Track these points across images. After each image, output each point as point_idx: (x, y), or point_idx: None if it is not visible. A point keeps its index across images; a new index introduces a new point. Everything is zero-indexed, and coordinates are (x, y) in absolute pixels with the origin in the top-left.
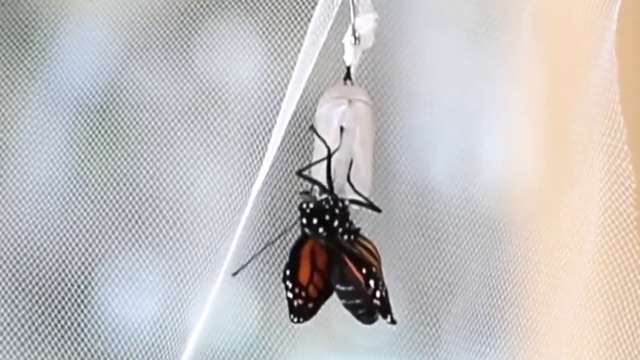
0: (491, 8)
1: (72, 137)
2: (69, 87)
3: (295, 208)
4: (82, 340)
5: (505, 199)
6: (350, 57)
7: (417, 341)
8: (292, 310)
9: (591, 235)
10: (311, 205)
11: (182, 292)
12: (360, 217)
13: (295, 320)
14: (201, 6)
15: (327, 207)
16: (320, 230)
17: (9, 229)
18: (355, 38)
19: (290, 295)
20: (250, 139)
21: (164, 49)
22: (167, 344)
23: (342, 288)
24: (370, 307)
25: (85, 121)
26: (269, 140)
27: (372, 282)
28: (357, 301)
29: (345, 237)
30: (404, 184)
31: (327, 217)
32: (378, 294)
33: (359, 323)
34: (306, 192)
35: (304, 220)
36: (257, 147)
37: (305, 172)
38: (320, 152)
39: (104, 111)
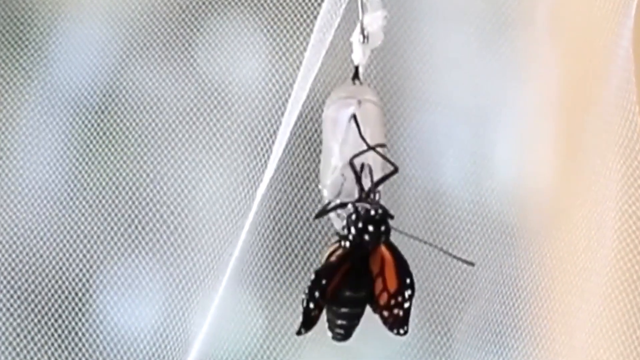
0: (504, 5)
1: (70, 139)
2: (67, 87)
3: (300, 212)
4: (80, 350)
5: (519, 204)
6: (359, 56)
7: (427, 350)
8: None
9: (608, 240)
10: (380, 211)
11: (183, 300)
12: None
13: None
14: (203, 3)
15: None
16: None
17: (4, 235)
18: (364, 36)
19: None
20: (254, 141)
21: (165, 47)
22: (168, 354)
23: (353, 295)
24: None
25: (84, 123)
26: (274, 142)
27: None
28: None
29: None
30: (414, 187)
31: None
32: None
33: (368, 331)
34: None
35: (371, 228)
36: (262, 149)
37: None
38: (327, 155)
39: (103, 112)
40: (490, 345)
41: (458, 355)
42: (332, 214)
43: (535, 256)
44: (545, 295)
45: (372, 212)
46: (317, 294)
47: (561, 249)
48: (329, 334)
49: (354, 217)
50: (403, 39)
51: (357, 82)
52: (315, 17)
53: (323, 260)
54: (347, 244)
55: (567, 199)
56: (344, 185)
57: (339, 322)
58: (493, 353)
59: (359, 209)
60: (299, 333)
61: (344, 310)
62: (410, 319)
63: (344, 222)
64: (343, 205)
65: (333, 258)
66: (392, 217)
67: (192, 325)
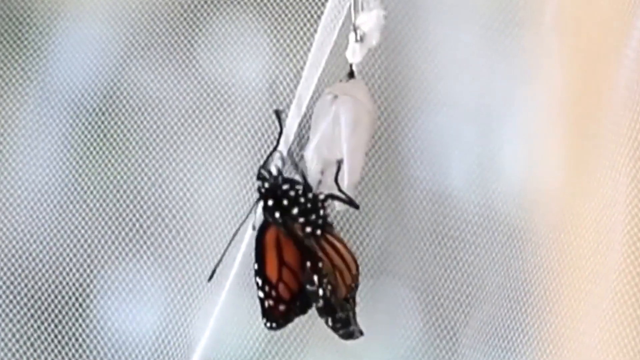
0: (511, 4)
1: (70, 141)
2: (66, 89)
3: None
4: (81, 355)
5: (526, 206)
6: (351, 54)
7: (432, 355)
8: (264, 312)
9: (616, 244)
10: (267, 185)
11: (185, 304)
12: (372, 225)
13: (268, 325)
14: (205, 2)
15: (287, 190)
16: (277, 215)
17: (3, 239)
18: (356, 35)
19: (260, 294)
20: (258, 143)
21: (167, 48)
22: (170, 358)
23: (310, 288)
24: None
25: (84, 124)
26: (277, 144)
27: (315, 278)
28: (321, 309)
29: (309, 229)
30: (418, 189)
31: (285, 202)
32: (320, 292)
33: (373, 336)
34: (263, 168)
35: (262, 202)
36: (265, 151)
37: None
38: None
39: (103, 114)
40: (497, 350)
41: None
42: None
43: (543, 260)
44: (553, 300)
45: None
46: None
47: (569, 253)
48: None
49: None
50: (407, 38)
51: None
52: (318, 18)
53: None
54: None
55: (575, 201)
56: (323, 180)
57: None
58: (500, 358)
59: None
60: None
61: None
62: (415, 323)
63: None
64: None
65: None
66: (357, 207)
67: (195, 329)
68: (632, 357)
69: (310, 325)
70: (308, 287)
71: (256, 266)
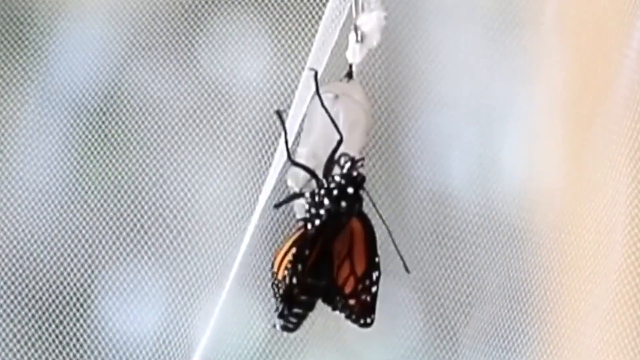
0: (512, 5)
1: (71, 141)
2: (67, 89)
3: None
4: (82, 355)
5: (527, 206)
6: (351, 54)
7: (433, 355)
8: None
9: (617, 245)
10: (336, 177)
11: (186, 304)
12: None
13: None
14: (206, 3)
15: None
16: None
17: (4, 239)
18: (357, 35)
19: (295, 280)
20: (259, 144)
21: (168, 48)
22: (171, 359)
23: (315, 282)
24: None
25: (85, 124)
26: (278, 144)
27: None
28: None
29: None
30: (419, 189)
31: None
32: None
33: (373, 337)
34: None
35: (350, 190)
36: (266, 151)
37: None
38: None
39: (104, 114)
40: (498, 350)
41: None
42: (296, 202)
43: (544, 260)
44: (554, 300)
45: (343, 181)
46: (300, 266)
47: (570, 253)
48: (279, 322)
49: (323, 191)
50: (408, 38)
51: (348, 79)
52: (319, 18)
53: (284, 250)
54: (318, 221)
55: (575, 202)
56: (299, 177)
57: (295, 310)
58: (500, 358)
59: (329, 183)
60: (281, 315)
61: (303, 297)
62: (416, 323)
63: (309, 201)
64: (301, 194)
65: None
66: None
67: (195, 330)
68: (632, 358)
69: (311, 325)
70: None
71: (307, 252)
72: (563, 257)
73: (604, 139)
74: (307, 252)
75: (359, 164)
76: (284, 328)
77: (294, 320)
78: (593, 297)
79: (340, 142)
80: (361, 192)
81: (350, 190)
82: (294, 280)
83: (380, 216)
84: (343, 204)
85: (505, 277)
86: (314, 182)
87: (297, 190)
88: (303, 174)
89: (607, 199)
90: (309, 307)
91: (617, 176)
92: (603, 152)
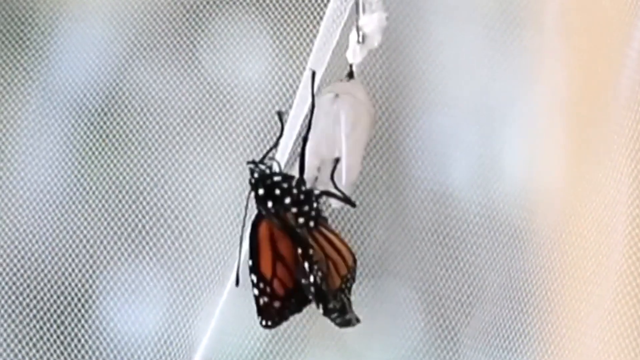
0: (513, 5)
1: (72, 141)
2: (68, 89)
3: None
4: (83, 356)
5: (528, 206)
6: (353, 55)
7: (434, 355)
8: (259, 310)
9: (618, 245)
10: (256, 175)
11: (187, 305)
12: (373, 225)
13: (263, 323)
14: (208, 3)
15: (279, 181)
16: (269, 204)
17: (5, 239)
18: (359, 36)
19: (255, 291)
20: (260, 144)
21: (169, 48)
22: (172, 359)
23: (305, 282)
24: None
25: (86, 125)
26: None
27: (306, 265)
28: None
29: (302, 220)
30: (420, 189)
31: (278, 192)
32: (311, 278)
33: (374, 337)
34: (254, 162)
35: (253, 193)
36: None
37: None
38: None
39: (105, 114)
40: (499, 350)
41: None
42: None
43: (545, 260)
44: (554, 300)
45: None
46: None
47: (571, 253)
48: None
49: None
50: (409, 38)
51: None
52: (321, 19)
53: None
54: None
55: (577, 202)
56: (320, 178)
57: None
58: (501, 358)
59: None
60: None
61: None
62: (416, 323)
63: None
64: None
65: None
66: (354, 205)
67: (196, 330)
68: (633, 358)
69: (312, 324)
70: (303, 281)
71: (250, 263)
72: (564, 257)
73: (605, 139)
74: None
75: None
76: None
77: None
78: (594, 297)
79: (305, 140)
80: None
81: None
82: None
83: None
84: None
85: (506, 277)
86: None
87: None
88: (310, 170)
89: (608, 199)
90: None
91: (618, 176)
92: (604, 152)
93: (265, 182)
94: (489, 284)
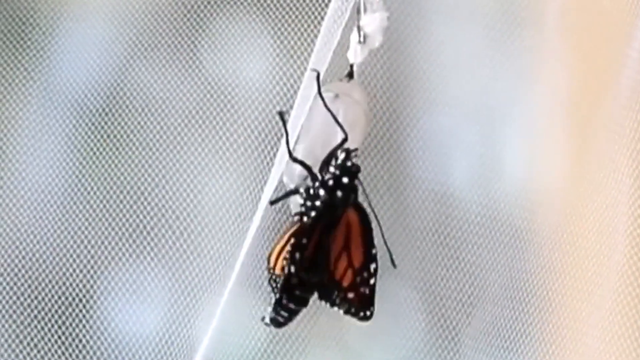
0: (514, 4)
1: (73, 141)
2: (69, 89)
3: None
4: (84, 356)
5: (529, 206)
6: (353, 54)
7: (435, 356)
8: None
9: (619, 245)
10: (331, 169)
11: (188, 305)
12: (374, 225)
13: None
14: (209, 3)
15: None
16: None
17: (6, 240)
18: (360, 36)
19: (293, 269)
20: (261, 144)
21: (170, 48)
22: (173, 359)
23: (308, 277)
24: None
25: (87, 125)
26: (280, 144)
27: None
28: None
29: None
30: (420, 189)
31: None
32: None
33: (375, 337)
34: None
35: (345, 180)
36: (269, 152)
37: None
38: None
39: (106, 114)
40: (499, 350)
41: None
42: (291, 198)
43: (546, 261)
44: (556, 300)
45: (338, 172)
46: (297, 255)
47: (572, 254)
48: (270, 314)
49: (318, 183)
50: (409, 38)
51: (349, 80)
52: (322, 19)
53: (280, 245)
54: (314, 213)
55: (578, 202)
56: (294, 174)
57: (289, 304)
58: (502, 359)
59: (323, 175)
60: (278, 303)
61: (297, 292)
62: (417, 323)
63: (304, 195)
64: (296, 191)
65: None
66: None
67: (197, 330)
68: (634, 358)
69: (313, 324)
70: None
71: (304, 241)
72: (565, 257)
73: (606, 139)
74: (304, 241)
75: (353, 154)
76: (273, 321)
77: (285, 314)
78: (595, 297)
79: (344, 140)
80: (356, 182)
81: (345, 180)
82: (292, 269)
83: (372, 209)
84: (338, 194)
85: (507, 277)
86: (309, 180)
87: (292, 187)
88: (298, 170)
89: (609, 199)
90: (303, 303)
91: (619, 176)
92: (605, 152)
93: (350, 172)
94: (490, 284)
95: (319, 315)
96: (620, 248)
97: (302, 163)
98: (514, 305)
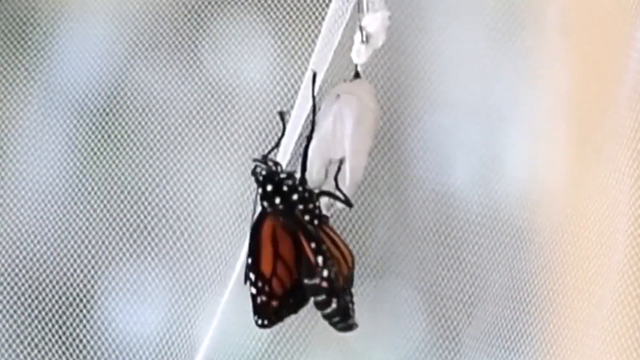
0: (515, 4)
1: (73, 141)
2: (70, 89)
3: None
4: (85, 356)
5: (530, 206)
6: (356, 55)
7: (435, 356)
8: (255, 309)
9: (620, 246)
10: (264, 172)
11: (189, 305)
12: (375, 225)
13: (260, 323)
14: (209, 3)
15: (284, 178)
16: (277, 201)
17: (7, 240)
18: (362, 36)
19: (253, 290)
20: (262, 145)
21: (171, 48)
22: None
23: (309, 282)
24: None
25: (87, 125)
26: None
27: (320, 259)
28: (323, 297)
29: (307, 217)
30: (422, 189)
31: (286, 189)
32: (325, 273)
33: (376, 337)
34: (260, 159)
35: (260, 190)
36: (269, 152)
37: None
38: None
39: (107, 114)
40: (500, 350)
41: None
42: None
43: (546, 261)
44: (556, 301)
45: (258, 171)
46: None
47: (572, 254)
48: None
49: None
50: (411, 38)
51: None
52: (322, 19)
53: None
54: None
55: (578, 203)
56: (328, 178)
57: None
58: (503, 359)
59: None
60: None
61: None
62: (418, 323)
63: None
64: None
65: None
66: (351, 205)
67: (198, 330)
68: (635, 358)
69: (313, 325)
70: (306, 280)
71: (250, 260)
72: (566, 257)
73: (607, 140)
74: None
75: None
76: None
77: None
78: (596, 297)
79: (308, 139)
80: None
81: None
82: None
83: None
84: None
85: (508, 278)
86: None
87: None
88: (315, 171)
89: (610, 199)
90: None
91: (620, 177)
92: (606, 153)
93: (273, 179)
94: (491, 284)
95: (319, 315)
96: (620, 248)
97: (276, 163)
98: (515, 306)
